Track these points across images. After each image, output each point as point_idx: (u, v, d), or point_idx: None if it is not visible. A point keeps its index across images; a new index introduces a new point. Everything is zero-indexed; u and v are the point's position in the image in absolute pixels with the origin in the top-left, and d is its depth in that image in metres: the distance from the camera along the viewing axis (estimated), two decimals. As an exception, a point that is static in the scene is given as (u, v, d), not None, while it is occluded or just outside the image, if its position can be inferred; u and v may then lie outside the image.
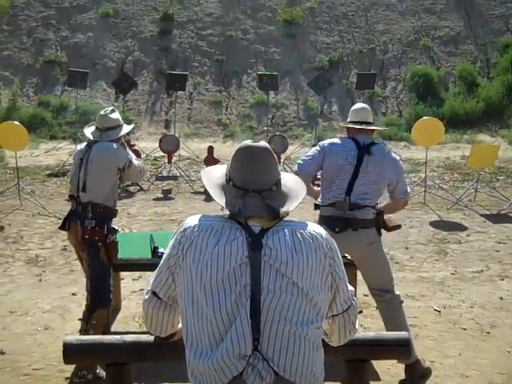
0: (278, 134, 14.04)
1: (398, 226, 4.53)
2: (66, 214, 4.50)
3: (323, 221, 4.16)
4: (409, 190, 4.52)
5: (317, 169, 4.32)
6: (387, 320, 4.32)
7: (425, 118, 11.37)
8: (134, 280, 6.37)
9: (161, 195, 11.13)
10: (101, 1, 20.47)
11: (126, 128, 4.64)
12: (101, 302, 4.30)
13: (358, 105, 4.64)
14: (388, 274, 4.34)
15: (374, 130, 4.48)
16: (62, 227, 4.46)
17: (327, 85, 14.68)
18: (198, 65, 18.94)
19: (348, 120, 4.50)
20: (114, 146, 4.44)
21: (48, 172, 12.84)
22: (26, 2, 20.13)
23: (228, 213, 2.14)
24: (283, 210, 2.16)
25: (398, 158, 4.48)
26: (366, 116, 4.42)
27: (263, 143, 2.25)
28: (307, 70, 18.62)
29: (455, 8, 20.74)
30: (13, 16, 19.70)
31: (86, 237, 4.26)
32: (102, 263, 4.30)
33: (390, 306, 4.32)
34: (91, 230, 4.26)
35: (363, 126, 4.35)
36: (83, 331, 4.28)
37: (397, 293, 4.37)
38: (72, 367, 4.30)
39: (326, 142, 4.42)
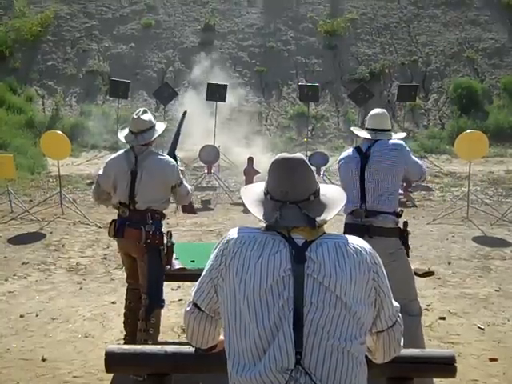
0: (318, 151, 13.94)
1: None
2: (110, 221, 4.54)
3: (345, 228, 4.23)
4: (424, 168, 4.51)
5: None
6: None
7: (468, 131, 11.16)
8: (173, 290, 6.36)
9: (200, 206, 11.16)
10: (143, 12, 20.76)
11: (160, 128, 4.55)
12: (159, 303, 4.46)
13: (373, 111, 4.55)
14: (406, 294, 4.08)
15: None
16: (116, 235, 4.49)
17: (368, 97, 14.57)
18: (238, 75, 19.01)
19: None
20: (168, 160, 4.50)
21: (89, 181, 12.99)
22: (70, 14, 20.53)
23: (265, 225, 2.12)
24: (320, 218, 2.12)
25: (399, 142, 4.33)
26: (377, 123, 4.39)
27: (298, 154, 2.24)
28: (348, 82, 18.53)
29: (500, 20, 20.39)
30: (57, 27, 20.12)
31: (148, 241, 4.37)
32: (161, 266, 4.44)
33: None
34: (153, 235, 4.39)
35: (366, 136, 4.36)
36: (143, 331, 4.36)
37: (415, 315, 4.16)
38: (111, 376, 4.32)
39: (340, 157, 4.51)
